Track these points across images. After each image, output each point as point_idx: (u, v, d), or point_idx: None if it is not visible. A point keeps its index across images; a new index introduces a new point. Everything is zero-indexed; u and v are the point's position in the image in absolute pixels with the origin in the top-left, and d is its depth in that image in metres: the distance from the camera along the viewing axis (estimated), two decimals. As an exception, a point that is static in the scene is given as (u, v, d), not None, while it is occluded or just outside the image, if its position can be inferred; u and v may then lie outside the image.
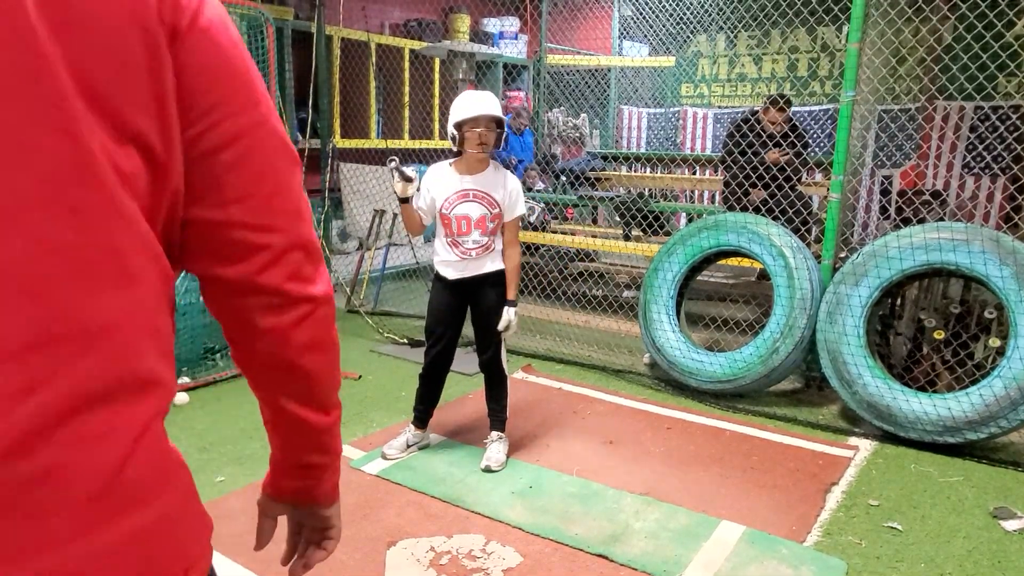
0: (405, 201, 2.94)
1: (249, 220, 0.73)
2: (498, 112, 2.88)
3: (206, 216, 0.72)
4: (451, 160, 3.02)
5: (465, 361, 4.27)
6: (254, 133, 0.74)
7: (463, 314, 3.08)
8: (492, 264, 2.99)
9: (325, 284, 0.80)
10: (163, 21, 0.64)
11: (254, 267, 0.74)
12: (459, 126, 2.87)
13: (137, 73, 0.63)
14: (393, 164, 2.93)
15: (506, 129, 2.98)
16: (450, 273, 3.00)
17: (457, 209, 2.92)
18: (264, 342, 0.79)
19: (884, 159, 6.38)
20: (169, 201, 0.69)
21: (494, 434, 3.13)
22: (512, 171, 6.42)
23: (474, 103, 2.86)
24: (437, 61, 7.70)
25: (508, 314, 2.98)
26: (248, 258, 0.74)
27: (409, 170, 2.92)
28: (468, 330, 3.16)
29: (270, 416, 0.87)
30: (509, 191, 2.96)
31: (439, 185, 2.96)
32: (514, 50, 8.67)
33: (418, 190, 2.97)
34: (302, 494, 0.95)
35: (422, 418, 3.21)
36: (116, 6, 0.62)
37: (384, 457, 3.10)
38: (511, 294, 2.99)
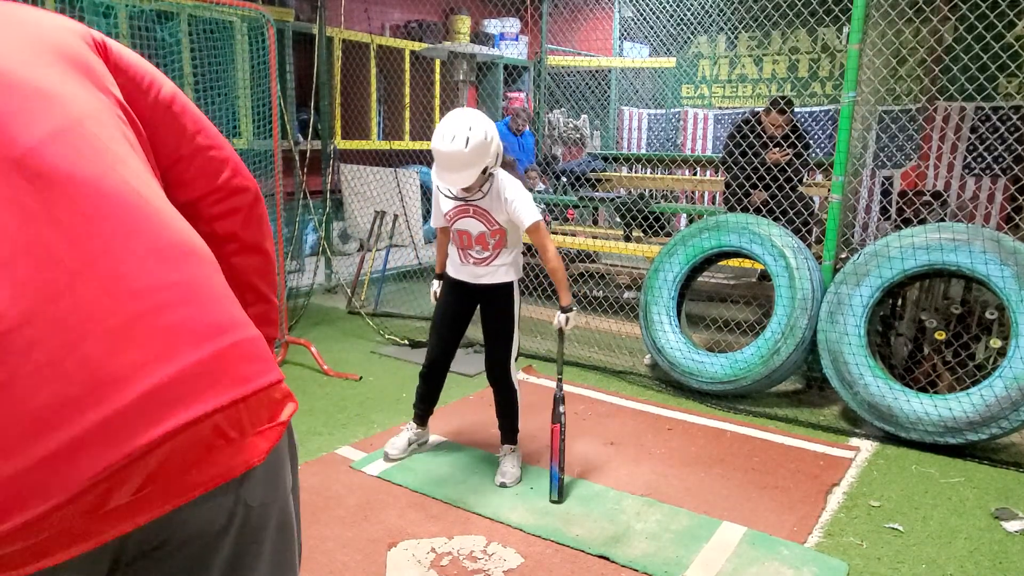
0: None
1: (211, 143, 1.09)
2: (470, 182, 2.65)
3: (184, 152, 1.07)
4: None
5: (466, 362, 4.28)
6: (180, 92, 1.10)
7: (466, 316, 3.05)
8: (500, 276, 2.89)
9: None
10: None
11: (228, 174, 1.10)
12: None
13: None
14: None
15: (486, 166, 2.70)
16: (453, 272, 3.00)
17: (458, 223, 2.86)
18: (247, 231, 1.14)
19: (885, 160, 6.38)
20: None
21: (505, 447, 3.06)
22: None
23: (444, 168, 2.63)
24: (438, 62, 7.71)
25: (559, 319, 2.87)
26: (222, 168, 1.10)
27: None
28: (470, 331, 3.16)
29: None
30: (506, 204, 2.77)
31: (443, 195, 2.88)
32: (515, 51, 8.68)
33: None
34: None
35: (422, 416, 3.21)
36: None
37: (386, 457, 3.10)
38: (563, 300, 2.84)
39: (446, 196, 2.86)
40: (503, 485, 2.93)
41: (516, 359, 3.05)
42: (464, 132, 2.58)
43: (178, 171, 1.06)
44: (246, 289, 1.15)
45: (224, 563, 0.89)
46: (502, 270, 2.91)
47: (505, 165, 2.91)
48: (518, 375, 3.09)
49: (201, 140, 1.07)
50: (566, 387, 4.05)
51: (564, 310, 2.85)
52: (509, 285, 2.93)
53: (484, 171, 2.69)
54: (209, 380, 0.83)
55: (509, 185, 2.79)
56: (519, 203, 2.76)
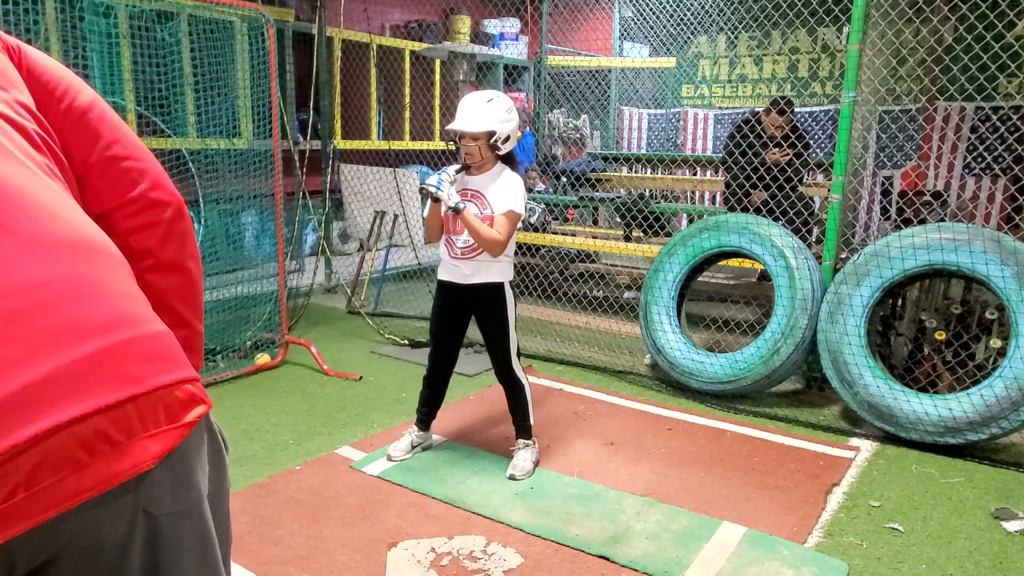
0: (437, 201, 2.84)
1: (128, 154, 1.05)
2: (477, 128, 2.78)
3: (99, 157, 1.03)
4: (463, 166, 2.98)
5: (466, 362, 4.28)
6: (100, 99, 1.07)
7: (462, 320, 3.06)
8: (488, 274, 2.92)
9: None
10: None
11: (146, 186, 1.06)
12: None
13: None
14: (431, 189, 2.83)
15: (493, 132, 2.81)
16: (443, 274, 3.01)
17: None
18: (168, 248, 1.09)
19: (885, 160, 6.38)
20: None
21: (519, 442, 3.11)
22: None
23: (460, 114, 2.83)
24: (438, 62, 7.70)
25: (448, 194, 2.78)
26: (139, 180, 1.06)
27: (437, 182, 2.82)
28: (471, 331, 3.16)
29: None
30: (497, 188, 2.87)
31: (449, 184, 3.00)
32: (515, 51, 8.68)
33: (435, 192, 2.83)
34: None
35: (425, 420, 3.21)
36: None
37: (389, 459, 3.11)
38: (465, 215, 2.78)
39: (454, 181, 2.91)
40: (512, 477, 2.96)
41: (519, 355, 3.07)
42: (491, 95, 2.85)
43: (90, 180, 1.02)
44: (164, 312, 1.05)
45: None
46: (491, 268, 2.92)
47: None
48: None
49: (117, 150, 1.04)
50: (566, 387, 4.07)
51: (457, 202, 2.79)
52: (499, 287, 2.94)
53: (492, 138, 2.81)
54: (90, 379, 0.78)
55: (514, 178, 2.90)
56: (507, 191, 2.86)
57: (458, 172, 2.91)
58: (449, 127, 2.84)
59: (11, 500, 0.72)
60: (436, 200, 2.83)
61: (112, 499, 0.80)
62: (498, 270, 2.93)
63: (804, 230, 4.58)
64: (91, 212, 1.00)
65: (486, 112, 2.80)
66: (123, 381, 0.81)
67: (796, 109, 5.50)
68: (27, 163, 0.88)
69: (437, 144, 7.79)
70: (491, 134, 2.81)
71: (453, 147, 2.95)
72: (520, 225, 2.99)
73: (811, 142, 6.08)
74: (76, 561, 0.80)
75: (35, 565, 0.78)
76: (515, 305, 3.02)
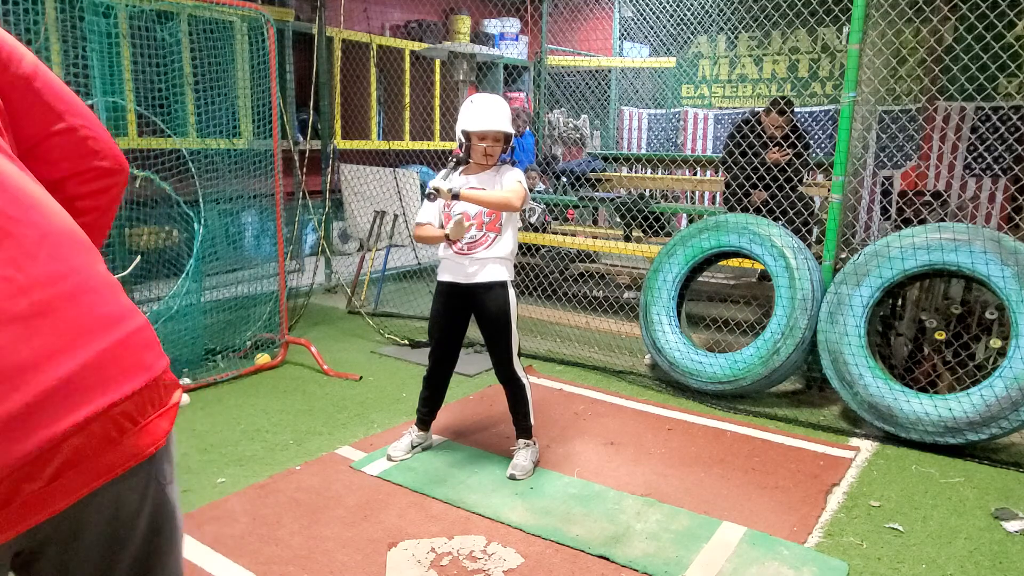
0: (433, 199, 2.94)
1: (83, 122, 1.06)
2: (507, 128, 2.90)
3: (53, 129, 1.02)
4: (456, 164, 3.03)
5: (466, 362, 4.28)
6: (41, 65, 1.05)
7: (462, 320, 3.06)
8: (491, 273, 2.93)
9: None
10: None
11: (101, 155, 1.07)
12: (467, 134, 2.91)
13: None
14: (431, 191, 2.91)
15: (512, 134, 2.99)
16: (445, 275, 3.01)
17: (456, 207, 2.94)
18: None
19: (885, 160, 6.38)
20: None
21: (520, 442, 3.11)
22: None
23: (484, 116, 2.87)
24: (438, 62, 7.71)
25: (456, 184, 2.87)
26: (95, 149, 1.06)
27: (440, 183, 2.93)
28: (471, 331, 3.16)
29: None
30: (503, 178, 2.94)
31: (451, 179, 3.06)
32: (515, 51, 8.68)
33: (431, 194, 2.92)
34: None
35: (425, 420, 3.21)
36: None
37: (389, 459, 3.11)
38: (468, 190, 2.83)
39: (452, 184, 2.95)
40: (512, 477, 2.96)
41: (519, 355, 3.07)
42: (499, 98, 3.00)
43: (44, 149, 1.02)
44: None
45: (140, 542, 0.92)
46: (494, 266, 2.93)
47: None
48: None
49: (71, 120, 1.04)
50: (566, 387, 4.07)
51: (455, 192, 2.82)
52: (503, 286, 2.95)
53: (507, 139, 2.96)
54: (117, 368, 0.87)
55: (510, 171, 2.99)
56: (517, 175, 2.95)
57: (452, 170, 3.01)
58: (485, 127, 2.87)
59: (59, 478, 0.80)
60: (433, 197, 2.90)
61: (133, 473, 0.90)
62: (501, 269, 2.95)
63: (804, 230, 4.58)
64: (45, 179, 1.00)
65: (509, 114, 2.95)
66: (140, 369, 0.91)
67: (796, 109, 5.51)
68: (8, 151, 0.91)
69: (437, 144, 7.80)
70: (511, 135, 2.97)
71: (458, 145, 2.98)
72: (520, 225, 3.01)
73: (811, 142, 6.08)
74: (95, 530, 0.87)
75: (57, 538, 0.85)
76: (516, 304, 3.03)
